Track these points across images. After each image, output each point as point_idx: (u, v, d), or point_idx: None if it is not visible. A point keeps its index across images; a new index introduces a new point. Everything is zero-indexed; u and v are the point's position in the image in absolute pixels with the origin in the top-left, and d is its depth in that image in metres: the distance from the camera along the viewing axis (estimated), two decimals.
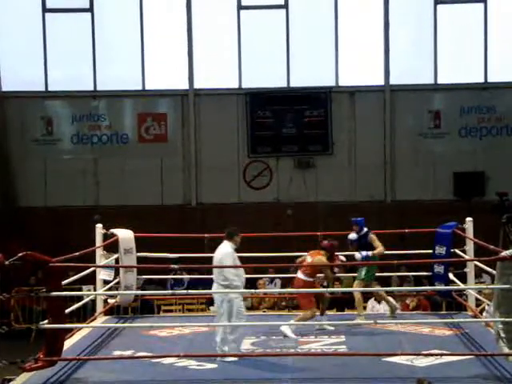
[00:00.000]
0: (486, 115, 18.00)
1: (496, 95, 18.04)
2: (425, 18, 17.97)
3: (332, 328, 9.62)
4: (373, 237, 10.22)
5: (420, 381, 6.25)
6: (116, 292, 10.85)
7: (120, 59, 18.27)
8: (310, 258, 9.82)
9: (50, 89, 18.27)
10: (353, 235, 10.29)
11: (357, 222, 10.36)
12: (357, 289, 10.15)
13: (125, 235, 10.77)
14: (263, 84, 18.08)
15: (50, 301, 7.76)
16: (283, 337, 9.14)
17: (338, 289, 12.49)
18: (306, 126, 18.06)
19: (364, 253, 10.11)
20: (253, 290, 13.53)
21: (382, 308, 11.90)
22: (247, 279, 14.16)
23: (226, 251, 8.63)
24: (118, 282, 10.72)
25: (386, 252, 10.44)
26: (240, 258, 11.35)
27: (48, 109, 18.40)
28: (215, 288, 8.59)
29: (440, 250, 10.50)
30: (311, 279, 9.75)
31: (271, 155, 18.18)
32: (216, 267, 8.52)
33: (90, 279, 11.00)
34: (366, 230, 10.29)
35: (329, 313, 10.03)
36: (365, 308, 12.17)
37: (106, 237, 10.61)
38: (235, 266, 8.49)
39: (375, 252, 10.13)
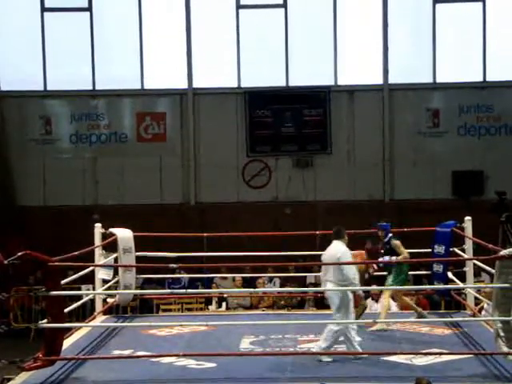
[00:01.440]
0: (485, 114, 18.00)
1: (495, 94, 18.05)
2: (423, 17, 17.97)
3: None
4: (396, 243, 9.80)
5: (419, 380, 6.26)
6: (115, 291, 10.85)
7: (119, 58, 18.27)
8: (356, 257, 9.50)
9: (48, 88, 18.26)
10: (385, 257, 9.82)
11: (382, 227, 9.98)
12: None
13: (124, 234, 10.77)
14: (262, 83, 18.07)
15: (49, 300, 7.76)
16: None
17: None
18: (304, 125, 18.05)
19: (387, 258, 9.73)
20: (252, 289, 13.62)
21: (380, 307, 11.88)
22: (245, 278, 14.29)
23: (343, 249, 8.50)
24: (117, 282, 10.72)
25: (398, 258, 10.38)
26: (238, 257, 11.40)
27: (47, 108, 18.39)
28: (330, 287, 8.38)
29: (439, 248, 10.50)
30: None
31: (270, 154, 18.18)
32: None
33: (89, 278, 10.99)
34: (390, 235, 9.89)
35: (326, 312, 9.97)
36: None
37: (104, 236, 10.61)
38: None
39: (399, 258, 9.69)
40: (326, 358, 8.12)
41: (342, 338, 8.50)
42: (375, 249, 9.80)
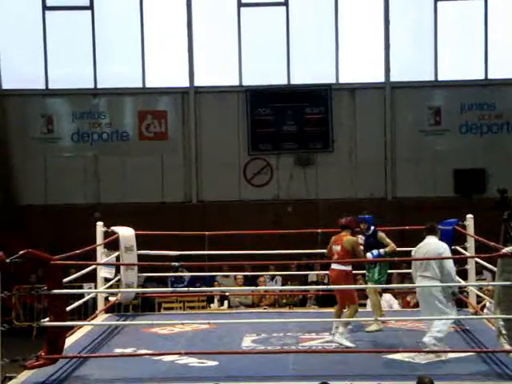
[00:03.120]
0: (487, 112, 17.99)
1: (496, 92, 18.04)
2: (425, 14, 17.96)
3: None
4: (382, 235, 9.70)
5: (421, 378, 6.25)
6: (117, 290, 10.86)
7: (120, 57, 18.28)
8: (338, 244, 9.04)
9: (50, 87, 18.26)
10: (373, 253, 9.59)
11: (364, 219, 9.75)
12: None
13: (125, 233, 10.77)
14: (263, 81, 18.07)
15: (51, 299, 7.77)
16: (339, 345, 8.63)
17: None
18: (306, 123, 18.05)
19: (375, 251, 9.55)
20: (253, 287, 13.63)
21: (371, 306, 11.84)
22: (247, 277, 14.29)
23: (443, 245, 8.41)
24: (118, 280, 10.73)
25: (387, 249, 10.38)
26: (240, 255, 11.39)
27: (48, 107, 18.40)
28: (426, 283, 8.25)
29: None
30: (348, 267, 8.99)
31: (272, 152, 18.18)
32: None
33: (91, 277, 10.99)
34: (373, 228, 9.76)
35: (328, 310, 9.97)
36: (365, 305, 12.16)
37: (106, 234, 10.61)
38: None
39: (387, 249, 9.58)
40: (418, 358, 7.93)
41: (343, 336, 8.49)
42: (350, 219, 9.30)
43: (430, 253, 8.39)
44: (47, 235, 16.69)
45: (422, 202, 17.35)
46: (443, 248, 8.41)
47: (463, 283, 10.58)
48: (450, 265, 8.28)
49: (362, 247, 9.47)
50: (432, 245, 8.45)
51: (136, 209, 17.11)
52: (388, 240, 9.71)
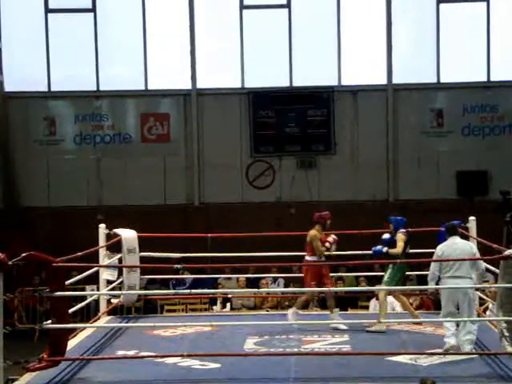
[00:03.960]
0: (489, 114, 17.98)
1: (499, 94, 18.03)
2: (427, 16, 17.95)
3: (344, 327, 9.47)
4: (400, 236, 9.61)
5: (424, 380, 6.24)
6: (119, 292, 10.86)
7: (123, 59, 18.29)
8: (308, 237, 9.78)
9: (52, 89, 18.28)
10: (386, 235, 9.66)
11: (391, 220, 9.76)
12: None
13: (128, 235, 10.77)
14: (266, 83, 18.07)
15: (54, 301, 7.76)
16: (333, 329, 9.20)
17: (340, 288, 12.40)
18: (308, 125, 18.05)
19: (378, 248, 9.56)
20: (256, 290, 13.63)
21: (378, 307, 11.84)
22: (249, 279, 14.29)
23: (472, 244, 8.54)
24: (121, 282, 10.72)
25: (390, 251, 10.36)
26: (243, 257, 11.40)
27: (51, 109, 18.41)
28: (466, 283, 8.24)
29: None
30: (312, 258, 9.75)
31: (274, 155, 18.18)
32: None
33: (94, 279, 11.01)
34: (403, 231, 9.68)
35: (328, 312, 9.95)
36: (367, 308, 12.18)
37: (109, 236, 10.62)
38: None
39: (390, 251, 9.50)
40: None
41: (345, 338, 8.49)
42: (319, 215, 9.83)
43: (463, 254, 8.37)
44: (49, 237, 16.71)
45: (425, 203, 17.33)
46: (475, 247, 8.52)
47: (465, 285, 10.57)
48: (483, 263, 8.37)
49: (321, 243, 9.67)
50: (462, 245, 8.48)
51: (138, 211, 17.12)
52: (399, 243, 9.61)
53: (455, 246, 8.47)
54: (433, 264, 8.57)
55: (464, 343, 8.21)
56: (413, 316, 9.88)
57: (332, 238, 9.87)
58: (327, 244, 9.81)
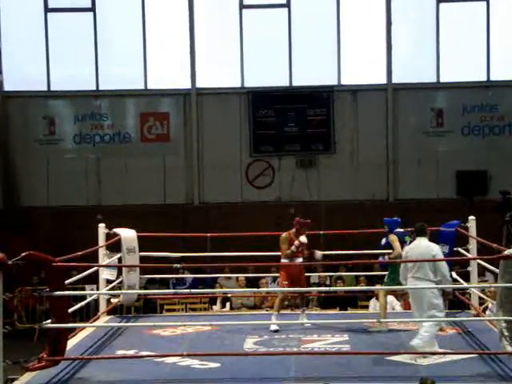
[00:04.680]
0: (489, 114, 17.98)
1: (499, 94, 18.03)
2: (427, 16, 17.94)
3: (308, 324, 9.57)
4: (392, 238, 9.62)
5: (423, 380, 6.25)
6: (119, 291, 10.86)
7: (122, 59, 18.27)
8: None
9: (52, 88, 18.27)
10: (382, 241, 9.71)
11: (385, 221, 9.83)
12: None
13: (127, 234, 10.78)
14: (265, 83, 18.07)
15: (53, 300, 7.76)
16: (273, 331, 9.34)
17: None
18: (308, 125, 18.05)
19: (380, 258, 9.62)
20: (255, 289, 13.62)
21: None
22: (249, 278, 14.28)
23: (435, 246, 8.47)
24: (120, 282, 10.73)
25: (389, 251, 10.36)
26: (243, 257, 11.40)
27: (50, 108, 18.41)
28: (419, 285, 8.25)
29: (443, 248, 10.43)
30: (285, 260, 9.92)
31: (273, 154, 18.18)
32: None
33: (93, 279, 11.00)
34: (399, 231, 9.70)
35: (330, 312, 9.97)
36: (367, 307, 12.17)
37: (108, 236, 10.62)
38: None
39: (391, 256, 9.51)
40: (420, 360, 7.97)
41: (345, 337, 8.48)
42: (297, 220, 9.93)
43: (423, 254, 8.39)
44: (49, 237, 16.70)
45: (424, 203, 17.33)
46: (436, 249, 8.43)
47: (465, 285, 10.58)
48: (444, 266, 8.30)
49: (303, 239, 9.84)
50: (422, 247, 8.46)
51: (138, 210, 17.11)
52: (396, 244, 9.60)
53: (417, 248, 8.49)
54: (401, 264, 8.64)
55: (415, 346, 8.18)
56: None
57: (298, 241, 9.91)
58: (293, 247, 9.93)
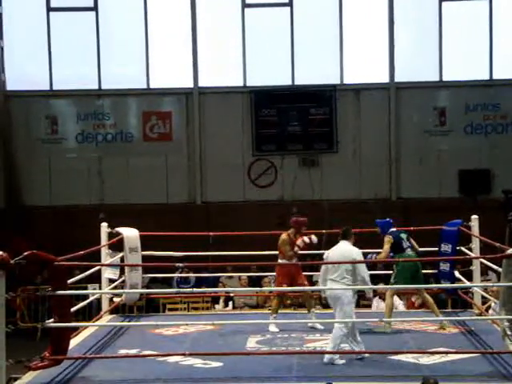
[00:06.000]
0: (492, 112, 17.97)
1: (501, 92, 18.01)
2: (430, 15, 17.93)
3: (321, 327, 9.50)
4: (386, 239, 9.65)
5: (426, 379, 6.24)
6: (121, 291, 10.86)
7: (124, 58, 18.28)
8: (279, 240, 9.90)
9: (54, 88, 18.28)
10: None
11: (377, 223, 9.93)
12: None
13: (130, 234, 10.78)
14: (268, 82, 18.06)
15: (56, 300, 7.76)
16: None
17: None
18: (310, 123, 18.04)
19: (369, 256, 9.58)
20: (258, 289, 13.62)
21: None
22: (251, 277, 14.27)
23: (356, 249, 8.50)
24: (123, 281, 10.73)
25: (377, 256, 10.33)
26: (245, 256, 11.39)
27: (53, 108, 18.42)
28: (339, 287, 8.28)
29: (446, 247, 10.47)
30: (282, 260, 9.91)
31: (276, 153, 18.17)
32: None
33: (96, 278, 11.00)
34: (393, 230, 9.70)
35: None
36: (369, 306, 12.15)
37: (111, 235, 10.62)
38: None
39: (378, 257, 9.56)
40: (339, 361, 8.04)
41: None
42: (294, 220, 9.95)
43: (340, 257, 8.41)
44: (51, 236, 16.71)
45: (427, 202, 17.32)
46: (356, 252, 8.46)
47: (468, 284, 10.57)
48: (364, 269, 8.33)
49: (306, 239, 9.73)
50: (342, 249, 8.50)
51: (140, 210, 17.11)
52: (385, 246, 9.63)
53: (337, 250, 8.51)
54: (322, 266, 8.64)
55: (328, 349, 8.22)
56: (436, 315, 9.78)
57: (301, 241, 9.86)
58: (296, 248, 9.89)
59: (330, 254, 8.56)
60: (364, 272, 8.31)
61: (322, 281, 8.63)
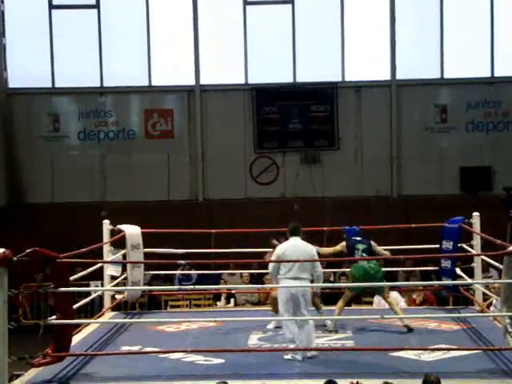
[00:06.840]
0: (493, 110, 17.97)
1: (502, 90, 18.01)
2: (431, 12, 17.93)
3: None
4: (341, 243, 9.83)
5: (427, 376, 6.26)
6: (123, 288, 10.88)
7: (126, 55, 18.30)
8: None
9: (56, 85, 18.30)
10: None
11: (343, 229, 10.12)
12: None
13: (132, 231, 10.80)
14: (269, 79, 18.07)
15: (58, 297, 7.79)
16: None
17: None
18: (312, 121, 18.05)
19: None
20: (260, 285, 13.63)
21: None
22: (253, 274, 14.28)
23: (311, 246, 8.55)
24: (125, 278, 10.75)
25: (393, 247, 10.38)
26: (247, 253, 11.41)
27: (55, 105, 18.44)
28: (300, 283, 8.33)
29: (447, 244, 10.49)
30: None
31: (277, 150, 18.18)
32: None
33: (98, 275, 11.02)
34: (355, 239, 9.80)
35: (334, 308, 9.93)
36: (371, 303, 12.17)
37: (113, 233, 10.64)
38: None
39: (321, 249, 9.67)
40: (286, 356, 8.10)
41: (349, 333, 8.47)
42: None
43: (305, 254, 8.40)
44: (54, 233, 16.71)
45: (428, 199, 17.33)
46: (313, 249, 8.53)
47: (469, 281, 10.59)
48: (320, 266, 8.47)
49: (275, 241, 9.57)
50: (303, 246, 8.50)
51: (142, 207, 17.14)
52: (336, 246, 9.77)
53: (296, 248, 8.48)
54: (273, 264, 8.57)
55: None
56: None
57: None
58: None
59: (288, 251, 8.45)
60: (320, 268, 8.45)
61: (272, 278, 8.64)
